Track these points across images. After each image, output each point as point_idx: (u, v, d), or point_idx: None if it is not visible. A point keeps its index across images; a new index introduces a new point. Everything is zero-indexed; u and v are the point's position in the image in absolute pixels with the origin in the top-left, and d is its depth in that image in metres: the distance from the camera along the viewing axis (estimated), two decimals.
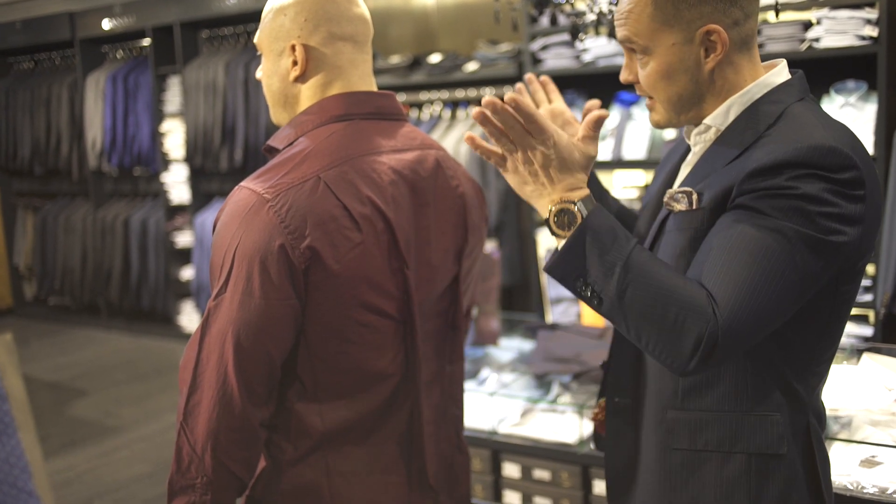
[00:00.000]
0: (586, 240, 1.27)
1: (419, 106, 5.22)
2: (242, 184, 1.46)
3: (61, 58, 7.90)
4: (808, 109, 1.36)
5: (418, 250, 1.55)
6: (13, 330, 7.87)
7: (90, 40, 7.43)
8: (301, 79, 1.56)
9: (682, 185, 1.42)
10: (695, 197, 1.36)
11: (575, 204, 1.30)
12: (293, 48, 1.54)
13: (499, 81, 4.89)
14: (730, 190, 1.30)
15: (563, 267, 1.29)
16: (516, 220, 4.87)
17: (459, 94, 5.00)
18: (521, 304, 5.03)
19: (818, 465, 1.41)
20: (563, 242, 1.29)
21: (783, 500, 1.38)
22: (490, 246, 3.34)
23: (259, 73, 1.63)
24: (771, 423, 1.38)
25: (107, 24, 7.16)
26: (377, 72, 5.14)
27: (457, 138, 4.87)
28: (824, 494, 1.42)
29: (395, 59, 5.19)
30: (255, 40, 1.61)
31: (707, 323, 1.21)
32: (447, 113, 5.11)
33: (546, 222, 1.32)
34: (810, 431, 1.41)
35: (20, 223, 8.37)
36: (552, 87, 1.78)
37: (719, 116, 1.41)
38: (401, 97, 5.14)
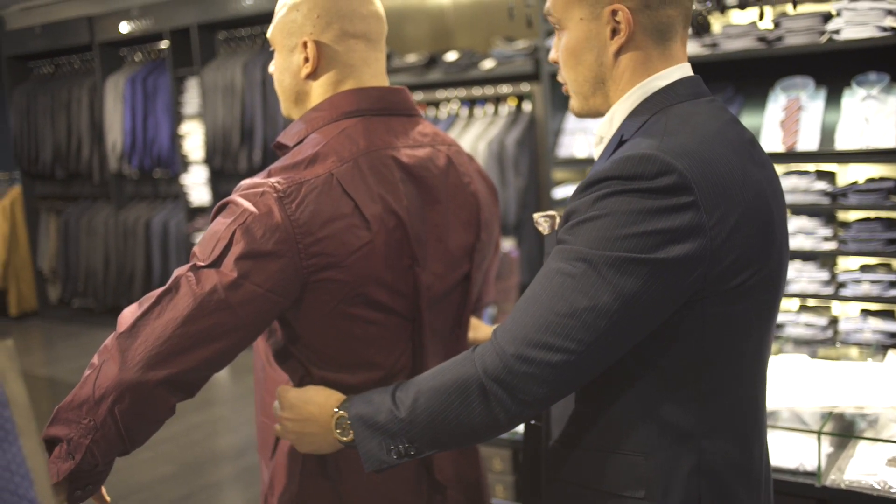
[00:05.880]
0: (361, 423, 1.32)
1: (436, 104, 5.20)
2: (253, 178, 1.45)
3: (81, 61, 7.96)
4: (670, 116, 1.25)
5: (429, 247, 1.54)
6: (38, 332, 7.94)
7: (109, 44, 7.48)
8: (312, 76, 1.55)
9: None
10: (556, 221, 1.31)
11: (337, 412, 1.37)
12: (305, 45, 1.53)
13: (515, 79, 4.87)
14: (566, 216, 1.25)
15: (369, 454, 1.31)
16: None
17: (476, 91, 4.98)
18: None
19: None
20: (355, 441, 1.33)
21: None
22: (508, 245, 3.33)
23: (272, 68, 1.62)
24: (630, 464, 1.26)
25: (125, 28, 7.20)
26: (393, 70, 5.13)
27: (474, 136, 4.85)
28: None
29: (411, 58, 5.18)
30: (268, 35, 1.60)
31: (475, 370, 1.21)
32: (464, 111, 5.09)
33: (346, 445, 1.37)
34: (701, 480, 1.26)
35: (43, 226, 8.44)
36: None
37: (605, 125, 1.34)
38: (417, 96, 5.12)
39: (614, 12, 1.28)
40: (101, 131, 7.55)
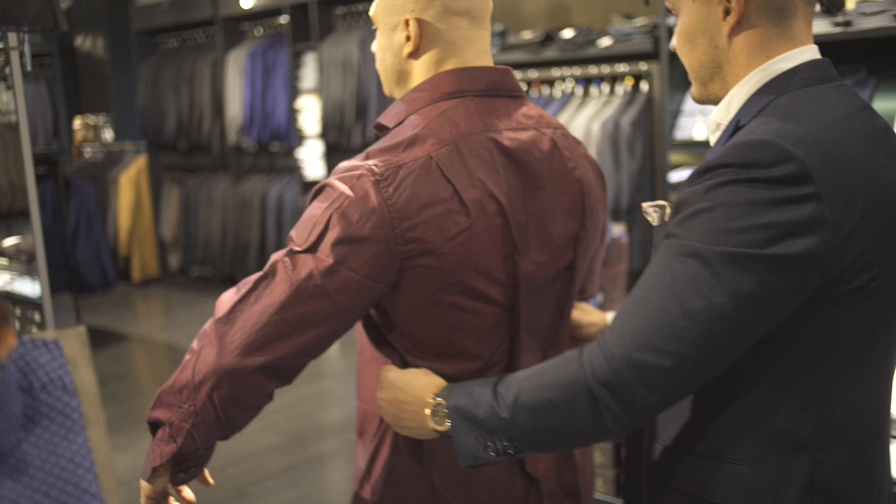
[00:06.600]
0: (459, 415, 1.27)
1: (551, 83, 5.10)
2: (351, 160, 1.43)
3: (204, 36, 8.15)
4: (792, 100, 1.17)
5: (531, 235, 1.48)
6: (159, 299, 8.23)
7: (231, 18, 7.63)
8: (414, 55, 1.51)
9: None
10: (667, 210, 1.24)
11: (435, 399, 1.32)
12: (407, 23, 1.49)
13: (633, 57, 4.72)
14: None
15: (465, 449, 1.26)
16: (650, 201, 4.70)
17: (593, 70, 4.86)
18: None
19: None
20: (451, 432, 1.29)
21: None
22: (618, 230, 3.22)
23: (374, 47, 1.59)
24: (736, 474, 1.20)
25: (247, 3, 7.32)
26: (508, 47, 5.05)
27: (589, 116, 4.74)
28: None
29: (527, 35, 5.09)
30: (371, 13, 1.57)
31: (582, 373, 1.15)
32: (580, 90, 4.98)
33: (440, 435, 1.33)
34: (814, 495, 1.18)
35: (165, 196, 8.72)
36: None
37: (721, 111, 1.26)
38: (532, 74, 5.03)
39: None
40: (221, 104, 7.73)
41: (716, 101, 1.30)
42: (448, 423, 1.29)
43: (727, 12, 1.22)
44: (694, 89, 1.32)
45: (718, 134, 1.28)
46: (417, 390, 1.37)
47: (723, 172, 1.11)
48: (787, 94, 1.19)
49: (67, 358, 0.71)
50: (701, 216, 1.11)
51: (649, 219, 1.29)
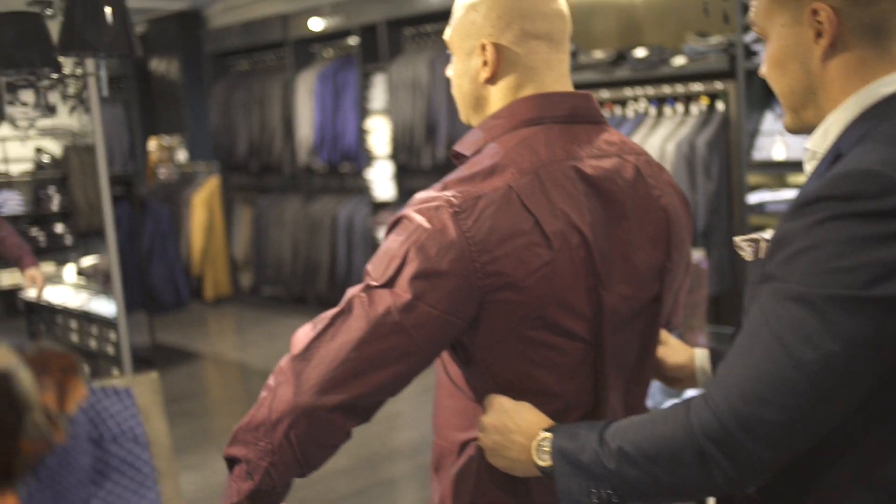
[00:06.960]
0: (562, 458, 1.23)
1: (623, 103, 5.03)
2: (428, 191, 1.39)
3: (275, 58, 8.26)
4: None
5: (615, 267, 1.42)
6: (231, 318, 8.32)
7: (301, 41, 7.73)
8: (491, 80, 1.46)
9: None
10: (761, 245, 1.17)
11: (543, 434, 1.28)
12: (483, 48, 1.44)
13: (708, 76, 4.62)
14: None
15: (568, 493, 1.21)
16: (727, 224, 4.59)
17: (666, 89, 4.77)
18: (731, 315, 4.73)
19: None
20: (551, 469, 1.25)
21: None
22: (698, 255, 3.13)
23: (449, 72, 1.55)
24: None
25: (317, 25, 7.40)
26: (579, 68, 4.99)
27: (663, 137, 4.65)
28: None
29: (598, 54, 5.02)
30: (446, 37, 1.53)
31: (689, 428, 1.08)
32: (653, 110, 4.89)
33: (541, 472, 1.28)
34: None
35: (237, 216, 8.83)
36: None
37: (818, 139, 1.19)
38: (604, 94, 4.96)
39: (815, 12, 1.14)
40: (291, 125, 7.81)
41: (810, 130, 1.23)
42: (550, 462, 1.25)
43: (819, 35, 1.15)
44: (786, 118, 1.26)
45: (815, 163, 1.20)
46: (528, 422, 1.32)
47: (825, 206, 1.04)
48: (890, 121, 1.11)
49: (139, 407, 0.68)
50: (803, 256, 1.04)
51: (743, 254, 1.22)
